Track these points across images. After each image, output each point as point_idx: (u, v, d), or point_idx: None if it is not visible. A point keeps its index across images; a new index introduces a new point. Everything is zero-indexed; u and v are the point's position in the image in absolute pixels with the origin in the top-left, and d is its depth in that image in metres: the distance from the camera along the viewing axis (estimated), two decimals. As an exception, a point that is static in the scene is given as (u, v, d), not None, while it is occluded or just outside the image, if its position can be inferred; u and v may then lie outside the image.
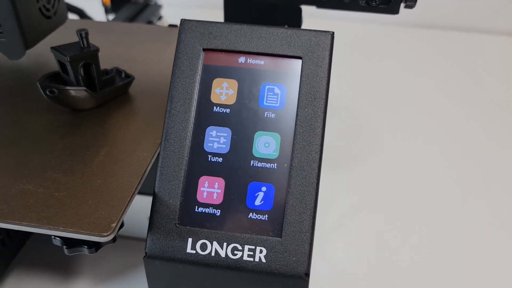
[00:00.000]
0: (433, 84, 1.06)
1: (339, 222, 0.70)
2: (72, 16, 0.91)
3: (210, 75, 0.43)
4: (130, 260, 0.64)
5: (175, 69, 0.43)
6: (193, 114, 0.43)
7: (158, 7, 1.02)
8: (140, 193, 0.46)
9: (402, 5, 0.50)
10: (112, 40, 0.71)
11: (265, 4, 0.55)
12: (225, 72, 0.43)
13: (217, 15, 0.67)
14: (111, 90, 0.56)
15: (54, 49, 0.53)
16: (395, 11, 0.50)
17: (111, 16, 0.98)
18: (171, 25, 0.75)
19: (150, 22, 0.98)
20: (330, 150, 0.81)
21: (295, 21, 0.57)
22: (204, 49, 0.44)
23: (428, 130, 0.91)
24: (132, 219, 0.61)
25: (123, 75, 0.58)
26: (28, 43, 0.52)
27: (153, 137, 0.49)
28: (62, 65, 0.54)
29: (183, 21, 0.44)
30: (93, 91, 0.54)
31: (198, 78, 0.43)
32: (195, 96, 0.43)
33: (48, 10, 0.55)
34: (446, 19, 1.32)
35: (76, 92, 0.52)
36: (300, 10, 0.55)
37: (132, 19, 0.95)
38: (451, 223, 0.71)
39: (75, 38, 0.53)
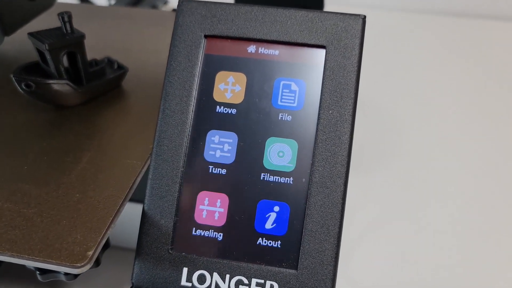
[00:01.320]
0: (467, 79, 0.98)
1: (362, 235, 0.64)
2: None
3: (213, 67, 0.37)
4: (123, 275, 0.58)
5: (171, 59, 0.37)
6: (191, 115, 0.36)
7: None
8: (136, 200, 0.41)
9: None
10: (108, 26, 0.65)
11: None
12: (231, 64, 0.36)
13: None
14: (100, 83, 0.49)
15: (31, 35, 0.46)
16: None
17: (113, 0, 0.93)
18: (175, 10, 0.68)
19: (154, 7, 0.92)
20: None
21: (316, 4, 0.50)
22: (206, 36, 0.37)
23: (461, 130, 0.85)
24: (127, 227, 0.55)
25: (115, 66, 0.51)
26: (7, 29, 0.46)
27: (147, 141, 0.43)
28: (41, 54, 0.47)
29: (181, 1, 0.37)
30: (78, 84, 0.47)
31: (198, 71, 0.36)
32: (194, 93, 0.36)
33: None
34: (481, 6, 1.23)
35: (57, 85, 0.46)
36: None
37: (135, 3, 0.89)
38: (487, 237, 0.66)
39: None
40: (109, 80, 0.50)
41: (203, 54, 0.36)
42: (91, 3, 0.88)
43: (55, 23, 0.47)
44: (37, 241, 0.33)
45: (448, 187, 0.73)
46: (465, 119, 0.88)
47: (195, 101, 0.36)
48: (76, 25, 0.47)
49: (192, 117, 0.36)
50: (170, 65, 0.37)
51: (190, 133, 0.36)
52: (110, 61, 0.51)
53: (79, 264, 0.32)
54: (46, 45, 0.45)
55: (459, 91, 0.95)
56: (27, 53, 0.57)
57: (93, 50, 0.49)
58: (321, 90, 0.35)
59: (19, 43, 0.57)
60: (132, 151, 0.42)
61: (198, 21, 0.37)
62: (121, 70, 0.51)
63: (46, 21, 0.52)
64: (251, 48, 0.36)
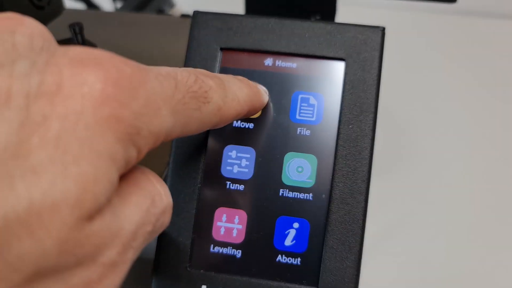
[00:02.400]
0: (488, 83, 0.95)
1: (377, 242, 0.63)
2: (78, 4, 0.84)
3: None
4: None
5: None
6: (207, 132, 0.35)
7: (169, -5, 0.93)
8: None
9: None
10: (116, 32, 0.64)
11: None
12: (248, 77, 0.35)
13: (237, 3, 0.60)
14: None
15: None
16: (453, -1, 0.42)
17: (119, 4, 0.91)
18: (184, 15, 0.67)
19: (161, 11, 0.91)
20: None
21: (329, 9, 0.49)
22: (222, 49, 0.36)
23: (475, 133, 0.83)
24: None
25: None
26: None
27: (161, 155, 0.42)
28: None
29: (196, 13, 0.37)
30: None
31: None
32: None
33: None
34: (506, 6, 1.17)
35: None
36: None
37: (141, 7, 0.87)
38: (502, 242, 0.65)
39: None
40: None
41: (219, 67, 0.36)
42: (97, 7, 0.87)
43: (62, 30, 0.47)
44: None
45: (461, 192, 0.72)
46: (478, 122, 0.86)
47: None
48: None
49: (209, 132, 0.35)
50: None
51: (206, 149, 0.35)
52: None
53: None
54: None
55: (471, 93, 0.93)
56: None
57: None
58: (341, 104, 0.34)
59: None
60: (146, 164, 0.41)
61: (214, 34, 0.36)
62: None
63: (52, 28, 0.52)
64: (268, 61, 0.36)
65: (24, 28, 0.20)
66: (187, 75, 0.24)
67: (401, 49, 1.03)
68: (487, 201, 0.70)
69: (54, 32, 0.51)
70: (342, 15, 0.54)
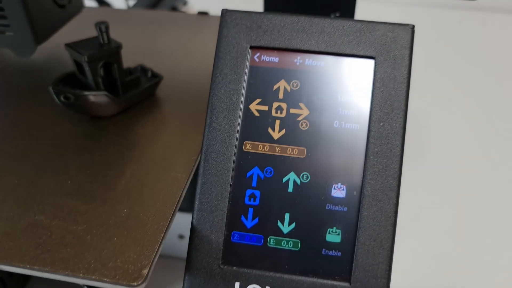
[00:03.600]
0: (503, 80, 0.94)
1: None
2: (89, 2, 0.84)
3: (259, 79, 0.36)
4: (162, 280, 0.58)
5: (216, 71, 0.36)
6: (238, 128, 0.35)
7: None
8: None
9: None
10: (134, 31, 0.64)
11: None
12: (278, 76, 0.36)
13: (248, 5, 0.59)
14: (136, 93, 0.49)
15: (69, 46, 0.46)
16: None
17: (131, 2, 0.91)
18: (200, 13, 0.67)
19: (174, 9, 0.91)
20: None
21: (348, 7, 0.49)
22: (251, 47, 0.36)
23: (486, 130, 0.82)
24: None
25: (149, 74, 0.51)
26: (39, 37, 0.45)
27: (188, 152, 0.43)
28: (78, 65, 0.47)
29: (225, 12, 0.37)
30: (115, 95, 0.47)
31: (244, 83, 0.36)
32: (241, 106, 0.36)
33: None
34: None
35: (96, 97, 0.46)
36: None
37: (154, 5, 0.88)
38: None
39: (93, 29, 0.46)
40: (145, 89, 0.49)
41: (248, 65, 0.36)
42: (108, 4, 0.87)
43: (78, 28, 0.47)
44: (90, 260, 0.33)
45: (472, 189, 0.71)
46: (492, 117, 0.85)
47: (241, 114, 0.36)
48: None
49: (239, 131, 0.35)
50: (216, 77, 0.36)
51: (237, 147, 0.35)
52: (143, 69, 0.51)
53: (135, 284, 0.32)
54: (85, 57, 0.44)
55: (484, 90, 0.92)
56: (58, 61, 0.57)
57: (124, 57, 0.49)
58: (371, 102, 0.34)
59: (48, 50, 0.57)
60: (174, 163, 0.42)
61: (243, 32, 0.36)
62: (156, 78, 0.50)
63: (67, 25, 0.52)
64: (298, 60, 0.36)
65: None
66: None
67: (416, 45, 1.03)
68: (499, 197, 0.70)
69: (74, 28, 0.52)
70: (360, 11, 0.54)
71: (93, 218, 0.37)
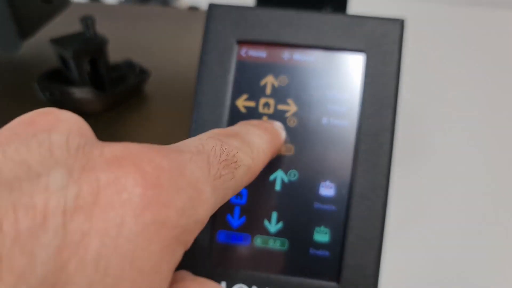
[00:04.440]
0: (507, 76, 0.91)
1: (391, 235, 0.61)
2: None
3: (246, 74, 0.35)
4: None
5: (202, 67, 0.35)
6: (225, 125, 0.34)
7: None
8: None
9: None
10: (123, 26, 0.63)
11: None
12: (266, 71, 0.35)
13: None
14: (123, 89, 0.48)
15: (54, 42, 0.45)
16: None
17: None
18: (192, 8, 0.66)
19: (165, 3, 0.90)
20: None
21: (341, 0, 0.48)
22: (238, 42, 0.35)
23: (498, 128, 0.79)
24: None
25: (137, 70, 0.50)
26: (25, 33, 0.44)
27: None
28: (64, 61, 0.46)
29: (211, 6, 0.35)
30: (101, 91, 0.46)
31: (231, 78, 0.35)
32: (228, 102, 0.34)
33: None
34: None
35: (82, 93, 0.45)
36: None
37: (145, 0, 0.86)
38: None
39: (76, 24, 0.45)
40: (132, 85, 0.48)
41: (235, 60, 0.35)
42: (99, 1, 0.86)
43: (66, 24, 0.46)
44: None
45: (476, 185, 0.69)
46: (495, 115, 0.83)
47: (228, 111, 0.34)
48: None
49: (226, 127, 0.34)
50: (202, 73, 0.35)
51: None
52: (131, 65, 0.50)
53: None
54: (71, 52, 0.44)
55: (488, 86, 0.89)
56: (44, 57, 0.56)
57: (111, 53, 0.48)
58: (360, 98, 0.34)
59: (34, 46, 0.56)
60: None
61: (230, 27, 0.35)
62: (144, 74, 0.50)
63: (60, 21, 0.51)
64: (286, 54, 0.35)
65: (60, 126, 0.19)
66: (213, 144, 0.23)
67: (415, 40, 0.98)
68: (502, 195, 0.68)
69: (62, 24, 0.51)
70: (354, 4, 0.53)
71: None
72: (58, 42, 0.45)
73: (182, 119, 0.45)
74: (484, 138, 0.77)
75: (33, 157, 0.17)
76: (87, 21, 0.45)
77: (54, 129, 0.19)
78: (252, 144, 0.26)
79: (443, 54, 0.96)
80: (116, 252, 0.16)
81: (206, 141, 0.23)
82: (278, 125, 0.32)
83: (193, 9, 0.65)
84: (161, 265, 0.18)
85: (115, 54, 0.48)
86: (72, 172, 0.17)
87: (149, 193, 0.18)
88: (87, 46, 0.45)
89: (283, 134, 0.32)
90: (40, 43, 0.53)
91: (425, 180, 0.69)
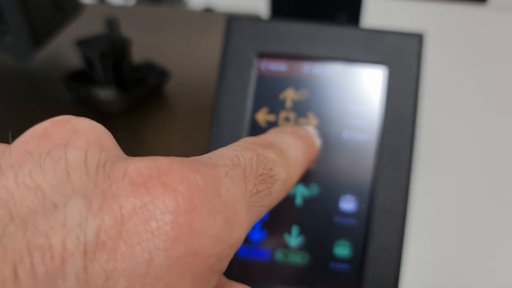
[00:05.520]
0: (495, 77, 0.79)
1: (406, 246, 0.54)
2: None
3: (266, 88, 0.30)
4: None
5: (222, 81, 0.30)
6: None
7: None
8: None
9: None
10: (140, 27, 0.57)
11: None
12: (286, 84, 0.30)
13: (249, 2, 0.51)
14: (145, 89, 0.43)
15: (79, 43, 0.40)
16: (483, -1, 0.35)
17: (131, 2, 0.81)
18: (207, 9, 0.60)
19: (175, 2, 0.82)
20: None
21: (355, 7, 0.42)
22: (258, 55, 0.30)
23: (494, 129, 0.70)
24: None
25: (157, 71, 0.44)
26: (39, 41, 0.38)
27: (196, 147, 0.38)
28: (89, 61, 0.41)
29: (231, 19, 0.30)
30: (123, 90, 0.41)
31: (251, 92, 0.30)
32: (248, 117, 0.30)
33: (61, 1, 0.41)
34: None
35: (106, 93, 0.40)
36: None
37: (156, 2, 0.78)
38: None
39: (92, 25, 0.40)
40: (153, 85, 0.43)
41: (256, 74, 0.30)
42: (105, 2, 0.76)
43: (76, 24, 0.41)
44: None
45: (485, 197, 0.60)
46: (504, 119, 0.72)
47: (249, 125, 0.30)
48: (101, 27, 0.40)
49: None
50: (221, 87, 0.30)
51: None
52: (152, 66, 0.45)
53: None
54: (97, 53, 0.39)
55: (495, 92, 0.77)
56: (64, 60, 0.50)
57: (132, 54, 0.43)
58: (380, 112, 0.29)
59: (56, 48, 0.50)
60: (185, 155, 0.36)
61: (250, 40, 0.30)
62: (164, 75, 0.44)
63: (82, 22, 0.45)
64: (306, 68, 0.29)
65: (77, 138, 0.15)
66: (249, 156, 0.18)
67: (428, 46, 0.86)
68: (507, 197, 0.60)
69: (87, 27, 0.45)
70: (369, 10, 0.46)
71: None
72: (83, 43, 0.40)
73: (201, 119, 0.41)
74: (503, 150, 0.67)
75: (48, 182, 0.13)
76: (112, 23, 0.40)
77: (70, 143, 0.14)
78: (288, 156, 0.21)
79: (460, 60, 0.84)
80: None
81: (242, 153, 0.18)
82: (312, 131, 0.27)
83: (208, 10, 0.59)
84: None
85: (135, 55, 0.43)
86: (92, 201, 0.13)
87: (181, 220, 0.13)
88: (112, 48, 0.40)
89: (318, 141, 0.26)
90: (58, 46, 0.47)
91: (445, 191, 0.61)
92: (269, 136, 0.22)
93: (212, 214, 0.14)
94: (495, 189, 0.62)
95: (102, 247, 0.12)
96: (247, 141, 0.20)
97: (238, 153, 0.18)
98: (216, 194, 0.15)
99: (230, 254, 0.15)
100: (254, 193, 0.17)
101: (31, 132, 0.15)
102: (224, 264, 0.15)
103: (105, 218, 0.13)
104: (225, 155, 0.17)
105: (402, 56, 0.29)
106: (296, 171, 0.21)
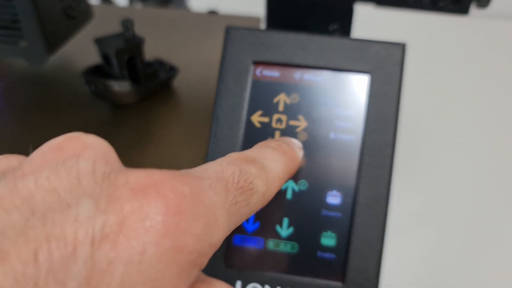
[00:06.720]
0: (483, 82, 0.73)
1: (388, 238, 0.50)
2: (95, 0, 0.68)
3: (261, 93, 0.28)
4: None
5: (221, 86, 0.27)
6: (241, 138, 0.27)
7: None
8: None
9: (474, 3, 0.32)
10: (148, 27, 0.52)
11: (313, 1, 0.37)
12: (279, 89, 0.27)
13: (250, 4, 0.46)
14: (155, 83, 0.40)
15: (98, 41, 0.38)
16: (465, 10, 0.32)
17: (137, 6, 0.75)
18: (211, 12, 0.56)
19: (180, 5, 0.77)
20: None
21: (346, 17, 0.38)
22: (254, 62, 0.27)
23: (480, 133, 0.64)
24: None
25: (167, 67, 0.42)
26: (51, 47, 0.35)
27: (201, 136, 0.35)
28: (106, 57, 0.38)
29: (229, 29, 0.28)
30: (137, 84, 0.39)
31: (247, 96, 0.27)
32: (244, 118, 0.27)
33: (72, 9, 0.38)
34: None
35: (120, 86, 0.38)
36: (352, 8, 0.37)
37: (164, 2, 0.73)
38: (503, 240, 0.50)
39: (100, 26, 0.38)
40: (163, 80, 0.41)
41: (251, 79, 0.27)
42: (111, 3, 0.71)
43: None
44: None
45: (466, 191, 0.56)
46: (484, 121, 0.66)
47: (244, 125, 0.27)
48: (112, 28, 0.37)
49: (242, 141, 0.27)
50: (220, 91, 0.27)
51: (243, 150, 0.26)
52: (162, 63, 0.42)
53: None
54: (114, 50, 0.36)
55: (483, 95, 0.71)
56: (83, 56, 0.46)
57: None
58: (365, 115, 0.26)
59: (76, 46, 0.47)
60: (189, 146, 0.35)
61: (247, 48, 0.28)
62: (173, 71, 0.42)
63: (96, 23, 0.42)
64: (298, 74, 0.27)
65: (87, 152, 0.15)
66: (232, 170, 0.18)
67: (415, 52, 0.79)
68: (498, 200, 0.55)
69: (102, 28, 0.42)
70: (359, 20, 0.42)
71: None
72: (101, 41, 0.38)
73: (206, 109, 0.39)
74: (484, 150, 0.62)
75: (63, 185, 0.14)
76: (127, 23, 0.37)
77: (81, 155, 0.15)
78: (269, 170, 0.20)
79: (444, 66, 0.77)
80: (138, 277, 0.13)
81: (226, 167, 0.18)
82: (296, 145, 0.25)
83: (213, 13, 0.55)
84: (178, 286, 0.15)
85: (145, 53, 0.40)
86: (99, 202, 0.13)
87: (170, 220, 0.14)
88: (127, 45, 0.37)
89: (300, 154, 0.25)
90: (80, 41, 0.43)
91: (426, 188, 0.56)
92: (253, 151, 0.21)
93: (196, 217, 0.15)
94: (472, 186, 0.57)
95: (106, 238, 0.13)
96: (232, 157, 0.19)
97: (223, 167, 0.18)
98: (200, 202, 0.15)
99: (209, 252, 0.16)
100: (233, 203, 0.17)
101: (48, 145, 0.16)
102: (204, 260, 0.16)
103: (109, 216, 0.13)
104: (210, 169, 0.17)
105: (386, 64, 0.26)
106: (275, 184, 0.20)
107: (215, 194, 0.16)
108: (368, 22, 0.58)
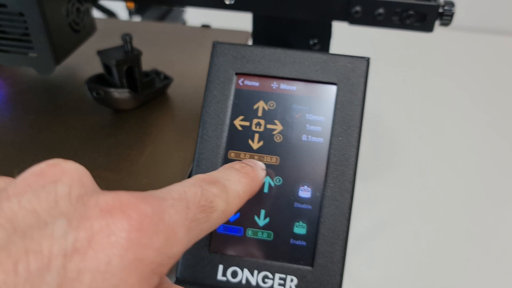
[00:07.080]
0: (465, 89, 0.74)
1: (364, 238, 0.51)
2: (98, 14, 0.69)
3: (242, 100, 0.30)
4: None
5: (207, 93, 0.30)
6: (225, 140, 0.29)
7: (181, 11, 0.77)
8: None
9: (437, 22, 0.34)
10: (147, 39, 0.54)
11: (295, 19, 0.39)
12: (257, 97, 0.29)
13: (243, 19, 0.48)
14: (152, 91, 0.42)
15: (100, 53, 0.40)
16: (429, 28, 0.34)
17: (136, 19, 0.72)
18: (204, 26, 0.57)
19: (174, 20, 0.78)
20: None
21: (325, 33, 0.40)
22: (237, 73, 0.30)
23: (460, 137, 0.64)
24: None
25: (162, 76, 0.43)
26: (58, 58, 0.37)
27: (193, 137, 0.37)
28: (107, 68, 0.40)
29: (215, 43, 0.30)
30: (135, 92, 0.41)
31: (230, 103, 0.29)
32: (227, 121, 0.29)
33: (77, 24, 0.40)
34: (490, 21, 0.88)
35: (120, 93, 0.40)
36: (330, 25, 0.39)
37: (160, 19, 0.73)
38: (486, 241, 0.50)
39: (102, 38, 0.40)
40: (158, 88, 0.42)
41: (234, 88, 0.29)
42: (113, 14, 0.70)
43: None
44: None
45: (448, 192, 0.56)
46: (463, 127, 0.67)
47: (227, 128, 0.29)
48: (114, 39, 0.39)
49: (225, 142, 0.29)
50: (207, 98, 0.30)
51: (223, 156, 0.29)
52: (157, 72, 0.43)
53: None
54: (114, 61, 0.38)
55: (457, 100, 0.72)
56: (85, 67, 0.48)
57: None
58: (332, 120, 0.28)
59: (80, 57, 0.48)
60: (182, 145, 0.37)
61: (230, 61, 0.30)
62: (168, 80, 0.43)
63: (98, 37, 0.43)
64: (275, 84, 0.29)
65: (65, 177, 0.16)
66: (194, 191, 0.19)
67: (390, 60, 0.78)
68: (472, 200, 0.55)
69: (105, 40, 0.43)
70: (336, 35, 0.44)
71: (120, 186, 0.33)
72: (103, 53, 0.39)
73: (195, 115, 0.40)
74: (453, 148, 0.62)
75: (42, 207, 0.15)
76: (126, 38, 0.39)
77: (59, 180, 0.16)
78: (230, 190, 0.21)
79: (413, 71, 0.78)
80: (104, 284, 0.14)
81: (189, 188, 0.19)
82: (260, 166, 0.26)
83: (206, 27, 0.56)
84: None
85: (143, 63, 0.41)
86: (72, 220, 0.15)
87: (132, 236, 0.15)
88: (126, 57, 0.39)
89: (262, 175, 0.26)
90: (85, 53, 0.45)
91: (396, 188, 0.57)
92: (218, 172, 0.22)
93: (156, 233, 0.16)
94: (434, 184, 0.58)
95: (77, 251, 0.14)
96: (197, 178, 0.21)
97: (186, 188, 0.19)
98: (161, 219, 0.16)
99: (169, 263, 0.16)
100: (193, 219, 0.18)
101: (31, 171, 0.17)
102: (164, 269, 0.16)
103: (80, 232, 0.14)
104: (174, 191, 0.18)
105: (351, 76, 0.28)
106: (235, 202, 0.21)
107: (176, 213, 0.17)
108: (345, 37, 0.60)
